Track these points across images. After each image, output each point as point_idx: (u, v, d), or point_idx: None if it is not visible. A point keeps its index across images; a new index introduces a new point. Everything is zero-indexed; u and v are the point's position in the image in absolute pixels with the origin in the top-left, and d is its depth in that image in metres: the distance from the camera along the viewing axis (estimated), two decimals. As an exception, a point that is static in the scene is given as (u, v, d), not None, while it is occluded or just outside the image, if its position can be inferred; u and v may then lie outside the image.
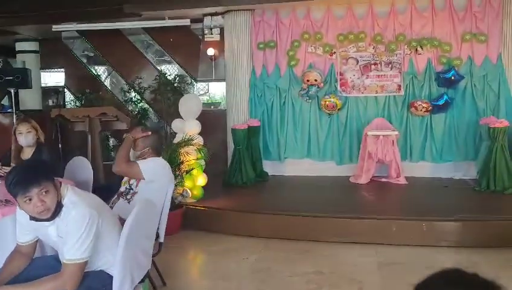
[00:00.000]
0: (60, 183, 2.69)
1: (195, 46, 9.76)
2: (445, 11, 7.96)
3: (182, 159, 6.03)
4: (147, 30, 10.15)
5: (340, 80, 8.44)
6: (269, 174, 8.62)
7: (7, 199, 3.54)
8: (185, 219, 6.08)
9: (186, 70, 10.28)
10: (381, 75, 8.29)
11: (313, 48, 8.48)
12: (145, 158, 3.84)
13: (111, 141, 10.12)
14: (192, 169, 6.26)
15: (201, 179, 6.73)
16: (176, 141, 6.58)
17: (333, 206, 6.17)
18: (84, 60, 10.95)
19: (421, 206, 6.14)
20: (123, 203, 3.71)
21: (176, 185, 6.14)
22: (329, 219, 5.56)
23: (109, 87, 10.85)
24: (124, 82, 10.57)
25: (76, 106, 10.56)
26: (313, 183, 7.95)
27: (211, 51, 9.17)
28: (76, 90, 10.86)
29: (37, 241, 2.87)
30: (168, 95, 9.65)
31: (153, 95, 10.24)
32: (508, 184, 6.76)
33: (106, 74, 10.94)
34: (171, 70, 10.56)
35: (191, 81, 10.28)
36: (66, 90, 11.20)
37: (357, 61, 8.37)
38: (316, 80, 8.32)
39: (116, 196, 3.84)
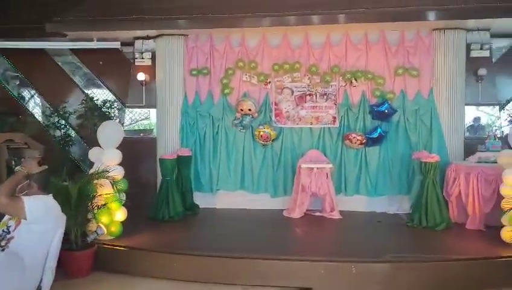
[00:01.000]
0: None
1: (127, 71, 9.22)
2: (379, 44, 7.97)
3: (95, 192, 5.44)
4: (75, 52, 9.51)
5: (275, 110, 8.20)
6: (200, 206, 8.16)
7: None
8: (97, 260, 5.45)
9: (116, 95, 9.68)
10: (316, 107, 8.13)
11: (247, 76, 8.22)
12: (26, 194, 3.27)
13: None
14: (106, 204, 5.66)
15: (120, 214, 6.14)
16: (92, 171, 5.98)
17: (262, 245, 5.78)
18: (5, 81, 10.08)
19: (353, 244, 5.88)
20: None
21: (88, 222, 5.58)
22: (254, 261, 5.15)
23: (32, 111, 10.02)
24: (48, 105, 9.80)
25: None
26: (245, 218, 7.56)
27: (141, 76, 8.67)
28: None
29: None
30: (95, 121, 8.99)
31: (80, 120, 9.55)
32: (439, 220, 6.67)
33: (29, 96, 10.12)
34: (100, 94, 9.93)
35: (122, 107, 9.68)
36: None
37: (292, 92, 8.18)
38: (250, 110, 8.03)
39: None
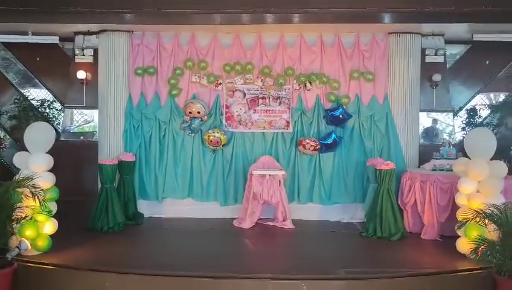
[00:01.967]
0: None
1: (67, 68, 8.51)
2: (334, 47, 7.71)
3: (19, 202, 4.80)
4: (8, 46, 8.70)
5: (226, 113, 7.76)
6: (145, 215, 7.65)
7: None
8: (17, 281, 4.77)
9: (55, 95, 8.94)
10: (270, 110, 7.76)
11: (197, 77, 7.75)
12: None
13: None
14: (26, 217, 4.98)
15: (49, 226, 5.49)
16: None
17: (208, 262, 5.27)
18: None
19: (304, 258, 5.49)
20: None
21: (8, 236, 4.92)
22: (198, 280, 4.65)
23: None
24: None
25: None
26: (193, 228, 7.06)
27: (81, 74, 8.02)
28: None
29: None
30: (31, 122, 8.21)
31: (13, 121, 8.74)
32: (394, 230, 6.43)
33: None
34: (38, 94, 9.17)
35: (62, 108, 8.95)
36: None
37: (244, 94, 7.77)
38: (199, 112, 7.55)
39: None
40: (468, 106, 8.72)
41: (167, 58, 7.77)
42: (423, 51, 7.85)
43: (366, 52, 7.68)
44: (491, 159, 5.58)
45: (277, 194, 7.13)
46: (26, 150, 5.64)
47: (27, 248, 5.07)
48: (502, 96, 9.91)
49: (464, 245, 5.36)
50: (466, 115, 8.61)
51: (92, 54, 8.05)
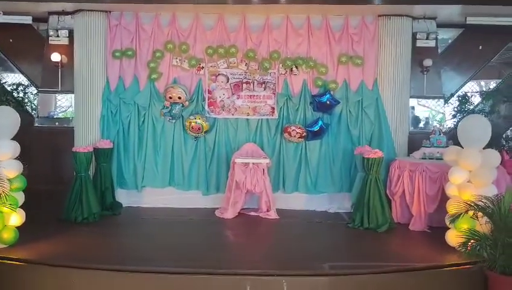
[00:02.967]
0: None
1: (42, 50, 8.07)
2: (322, 30, 7.37)
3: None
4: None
5: (208, 98, 7.42)
6: (124, 205, 7.36)
7: None
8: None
9: (29, 79, 8.50)
10: (254, 96, 7.43)
11: (178, 60, 7.38)
12: None
13: None
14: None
15: (16, 218, 5.16)
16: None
17: (186, 256, 4.96)
18: None
19: (287, 252, 5.19)
20: None
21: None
22: (173, 276, 4.34)
23: None
24: None
25: None
26: (173, 219, 6.75)
27: (56, 56, 7.59)
28: None
29: None
30: (4, 108, 7.82)
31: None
32: (382, 221, 6.18)
33: None
34: (11, 77, 8.74)
35: (37, 92, 8.53)
36: None
37: (228, 79, 7.43)
38: (180, 98, 7.21)
39: None
40: (460, 93, 8.45)
41: (146, 40, 7.39)
42: (414, 35, 7.53)
43: (355, 35, 7.35)
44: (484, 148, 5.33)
45: (261, 183, 6.85)
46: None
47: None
48: (493, 84, 9.69)
49: (453, 237, 5.12)
50: (457, 102, 8.36)
51: (67, 36, 7.61)
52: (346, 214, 6.99)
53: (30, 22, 7.70)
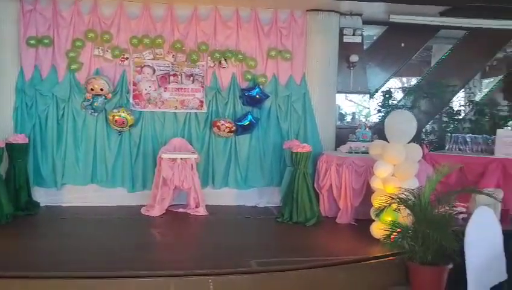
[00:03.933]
0: None
1: None
2: (251, 23, 7.29)
3: None
4: None
5: (133, 91, 7.10)
6: (42, 204, 6.88)
7: None
8: None
9: None
10: (182, 89, 7.22)
11: (100, 50, 6.99)
12: None
13: None
14: None
15: None
16: None
17: (107, 258, 4.69)
18: None
19: (214, 250, 5.05)
20: None
21: None
22: (92, 281, 4.05)
23: None
24: None
25: None
26: (95, 218, 6.40)
27: (-39, 43, 6.92)
28: None
29: None
30: None
31: None
32: (310, 215, 6.25)
33: None
34: None
35: None
36: None
37: (154, 71, 7.15)
38: (102, 89, 6.83)
39: None
40: (384, 88, 8.74)
41: (65, 27, 6.91)
42: (341, 30, 7.66)
43: (284, 29, 7.35)
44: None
45: (189, 179, 6.68)
46: None
47: None
48: (414, 80, 10.14)
49: (377, 230, 5.23)
50: (382, 98, 8.64)
51: (-25, 20, 6.95)
52: (275, 209, 6.99)
53: None
